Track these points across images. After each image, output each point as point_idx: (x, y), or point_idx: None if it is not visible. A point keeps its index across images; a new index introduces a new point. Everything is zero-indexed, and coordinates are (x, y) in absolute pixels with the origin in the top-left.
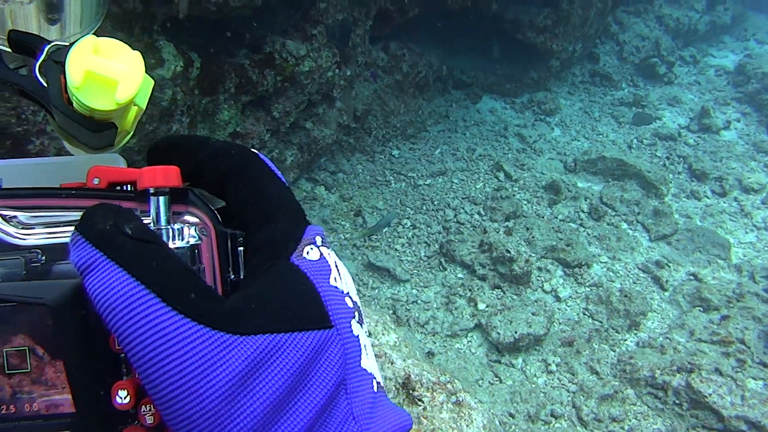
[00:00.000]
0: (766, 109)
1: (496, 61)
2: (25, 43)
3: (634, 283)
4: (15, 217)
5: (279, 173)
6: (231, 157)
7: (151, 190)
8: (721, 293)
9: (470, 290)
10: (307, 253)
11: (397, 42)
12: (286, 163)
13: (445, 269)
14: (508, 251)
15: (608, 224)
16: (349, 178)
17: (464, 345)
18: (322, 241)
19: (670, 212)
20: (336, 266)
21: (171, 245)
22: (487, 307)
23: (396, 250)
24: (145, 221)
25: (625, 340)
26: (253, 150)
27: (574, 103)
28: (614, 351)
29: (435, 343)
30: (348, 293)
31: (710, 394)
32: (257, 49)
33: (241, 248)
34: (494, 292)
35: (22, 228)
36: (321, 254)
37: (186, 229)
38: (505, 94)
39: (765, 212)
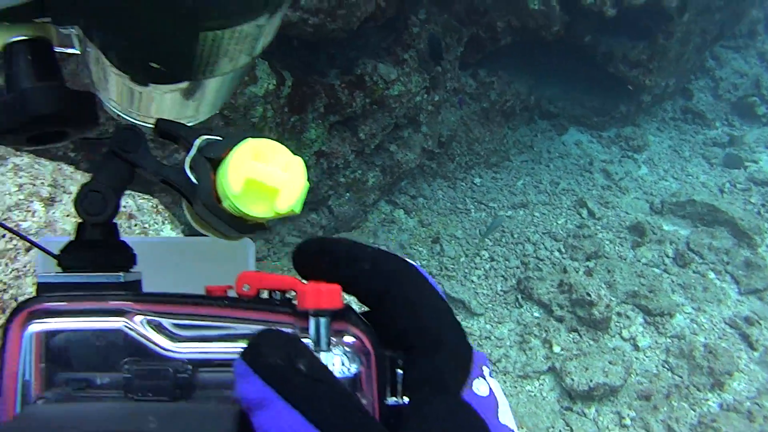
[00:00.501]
0: None
1: (585, 92)
2: (171, 133)
3: (720, 338)
4: (160, 323)
5: (438, 287)
6: (392, 272)
7: (312, 311)
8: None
9: (546, 331)
10: (478, 388)
11: (487, 69)
12: (368, 185)
13: (521, 306)
14: (589, 294)
15: (694, 272)
16: (429, 204)
17: (536, 388)
18: (489, 372)
19: (764, 265)
20: (502, 399)
21: (334, 371)
22: (562, 350)
23: (472, 281)
24: (304, 340)
25: (707, 400)
26: (411, 262)
27: (663, 141)
28: (695, 411)
29: (506, 383)
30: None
31: None
32: (348, 70)
33: (400, 371)
34: (571, 336)
35: (172, 339)
36: (490, 388)
37: (349, 355)
38: (593, 127)
39: None
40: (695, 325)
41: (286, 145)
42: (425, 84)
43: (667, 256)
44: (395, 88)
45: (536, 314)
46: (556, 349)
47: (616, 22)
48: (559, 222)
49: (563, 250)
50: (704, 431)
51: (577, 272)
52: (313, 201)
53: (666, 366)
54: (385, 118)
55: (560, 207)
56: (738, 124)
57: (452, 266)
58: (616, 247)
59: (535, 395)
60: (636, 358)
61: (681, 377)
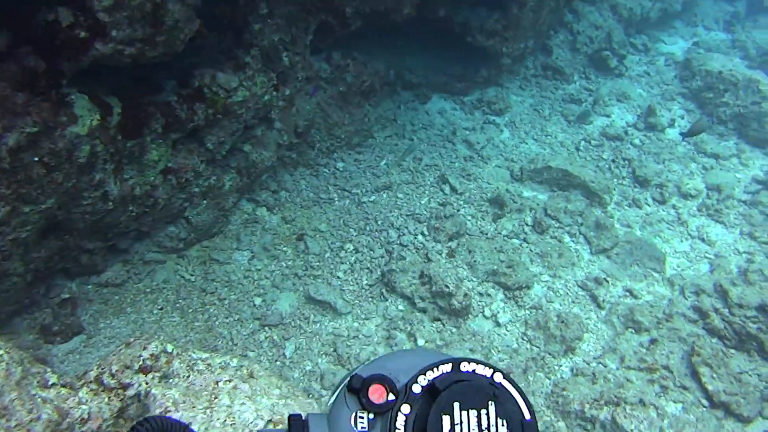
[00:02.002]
0: (708, 108)
1: (446, 61)
2: None
3: (573, 302)
4: None
5: None
6: None
7: None
8: (651, 314)
9: (410, 324)
10: None
11: (341, 52)
12: (225, 189)
13: (386, 300)
14: (447, 286)
15: (551, 237)
16: (292, 197)
17: None
18: None
19: (611, 225)
20: None
21: None
22: (426, 342)
23: (338, 278)
24: None
25: (560, 366)
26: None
27: (524, 100)
28: (549, 379)
29: None
30: None
31: (632, 430)
32: (185, 82)
33: None
34: (434, 325)
35: None
36: None
37: None
38: (456, 93)
39: (699, 220)
40: (551, 293)
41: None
42: (273, 82)
43: (527, 225)
44: (239, 94)
45: (401, 307)
46: (421, 342)
47: None
48: (422, 202)
49: (426, 233)
50: (556, 399)
51: (440, 255)
52: (168, 216)
53: (525, 338)
54: (233, 124)
55: (423, 185)
56: (594, 77)
57: (317, 264)
58: (478, 222)
59: None
60: (498, 335)
61: (538, 347)
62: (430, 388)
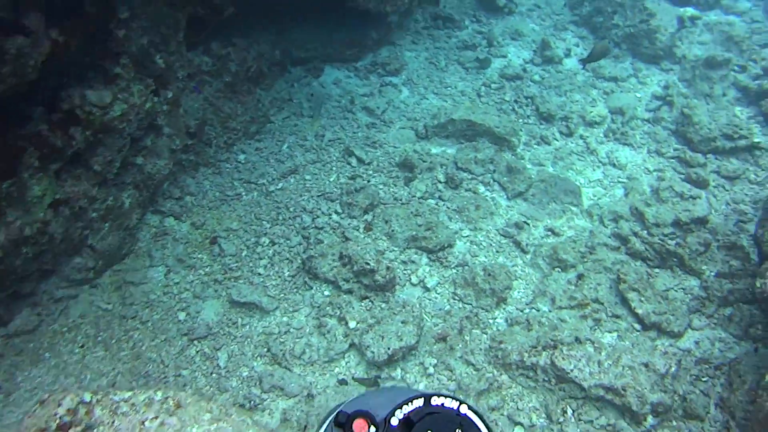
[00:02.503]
0: (601, 32)
1: (333, 30)
2: None
3: (498, 251)
4: None
5: None
6: None
7: None
8: (575, 250)
9: (339, 308)
10: None
11: (219, 41)
12: (125, 207)
13: (311, 288)
14: (368, 263)
15: (466, 191)
16: (198, 200)
17: (343, 368)
18: None
19: (523, 166)
20: None
21: None
22: (357, 323)
23: (259, 275)
24: None
25: (495, 319)
26: None
27: (419, 54)
28: (486, 334)
29: (315, 373)
30: None
31: (571, 370)
32: (54, 107)
33: None
34: (363, 304)
35: None
36: None
37: None
38: (348, 60)
39: (607, 146)
40: (474, 246)
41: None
42: (151, 88)
43: (440, 182)
44: (116, 109)
45: (326, 293)
46: (352, 324)
47: None
48: (331, 180)
49: (340, 211)
50: (495, 353)
51: (357, 231)
52: (70, 248)
53: (456, 297)
54: (117, 141)
55: (329, 162)
56: (485, 19)
57: (236, 264)
58: (391, 189)
59: (344, 376)
60: (428, 300)
61: (470, 305)
62: (406, 421)
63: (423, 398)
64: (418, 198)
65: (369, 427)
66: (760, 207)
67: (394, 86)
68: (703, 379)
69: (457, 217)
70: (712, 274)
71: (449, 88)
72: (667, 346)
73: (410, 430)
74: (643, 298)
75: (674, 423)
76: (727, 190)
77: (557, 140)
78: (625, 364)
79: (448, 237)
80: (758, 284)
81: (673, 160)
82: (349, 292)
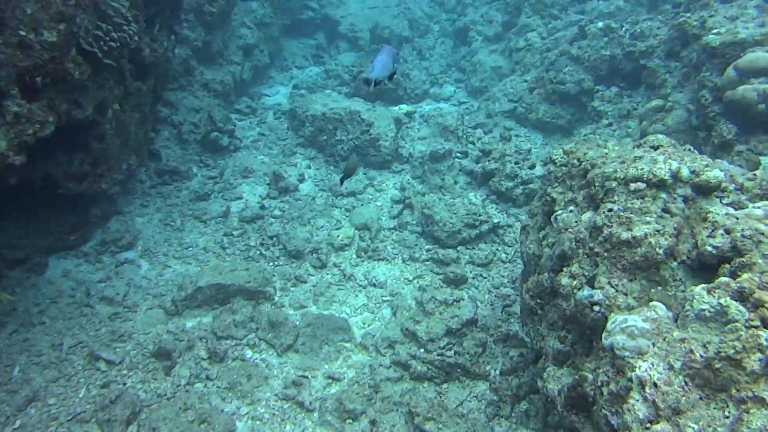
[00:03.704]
0: (328, 149)
1: (49, 216)
2: None
3: (283, 420)
4: None
5: None
6: None
7: None
8: (360, 394)
9: None
10: None
11: None
12: None
13: None
14: None
15: (233, 360)
16: None
17: None
18: None
19: (285, 316)
20: None
21: None
22: None
23: None
24: None
25: None
26: None
27: (152, 218)
28: None
29: None
30: None
31: None
32: None
33: None
34: None
35: None
36: None
37: None
38: (73, 245)
39: (363, 267)
40: (257, 423)
41: None
42: None
43: (203, 359)
44: None
45: None
46: None
47: None
48: (81, 396)
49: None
50: None
51: None
52: None
53: None
54: None
55: (74, 374)
56: (213, 162)
57: None
58: (151, 386)
59: None
60: None
61: None
62: None
63: None
64: (184, 386)
65: None
66: (518, 284)
67: (131, 263)
68: None
69: (230, 395)
70: (497, 372)
71: (191, 248)
72: None
73: None
74: (441, 426)
75: None
76: (485, 278)
77: (312, 275)
78: None
79: (226, 423)
80: (540, 384)
81: (428, 263)
82: None
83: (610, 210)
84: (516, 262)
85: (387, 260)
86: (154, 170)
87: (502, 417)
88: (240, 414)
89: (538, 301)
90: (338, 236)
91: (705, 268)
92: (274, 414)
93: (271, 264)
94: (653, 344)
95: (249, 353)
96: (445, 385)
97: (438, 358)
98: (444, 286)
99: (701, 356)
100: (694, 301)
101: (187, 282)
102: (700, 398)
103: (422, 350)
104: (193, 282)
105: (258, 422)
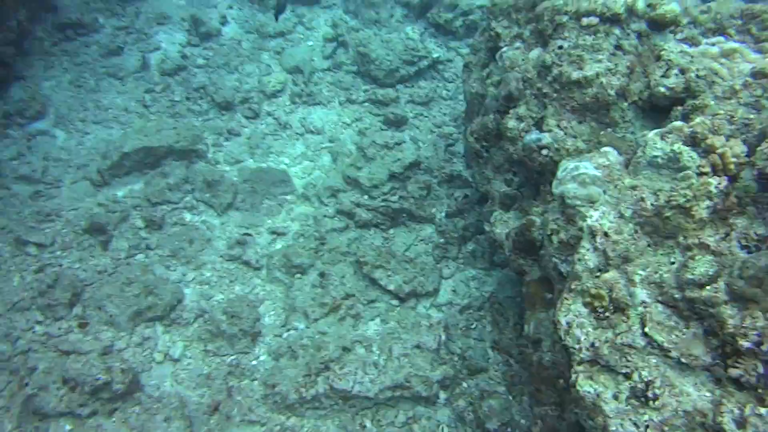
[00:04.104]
0: None
1: None
2: None
3: (231, 282)
4: None
5: None
6: None
7: None
8: (306, 247)
9: None
10: None
11: None
12: None
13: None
14: (98, 378)
15: (173, 226)
16: None
17: None
18: None
19: (221, 174)
20: None
21: None
22: None
23: None
24: None
25: (258, 357)
26: None
27: (60, 80)
28: (256, 380)
29: None
30: None
31: (352, 387)
32: None
33: None
34: (114, 419)
35: None
36: None
37: None
38: None
39: (298, 113)
40: (206, 287)
41: None
42: None
43: (141, 228)
44: None
45: (67, 427)
46: None
47: None
48: (15, 284)
49: (41, 318)
50: (273, 399)
51: (72, 334)
52: None
53: (210, 355)
54: None
55: (3, 263)
56: (120, 8)
57: None
58: (90, 263)
59: None
60: (182, 371)
61: (227, 355)
62: None
63: None
64: (125, 259)
65: None
66: (461, 122)
67: (44, 133)
68: (473, 327)
69: (174, 262)
70: (443, 215)
71: (110, 110)
72: (429, 309)
73: None
74: (390, 272)
75: (464, 384)
76: (426, 117)
77: (246, 127)
78: (399, 354)
79: (173, 292)
80: (487, 228)
81: (366, 104)
82: (93, 413)
83: (561, 47)
84: (458, 99)
85: (323, 104)
86: (52, 24)
87: (450, 258)
88: (186, 280)
89: (484, 144)
90: (269, 82)
91: (656, 110)
92: (221, 276)
93: (201, 119)
94: (604, 191)
95: (188, 216)
96: (391, 231)
97: (382, 204)
98: (384, 128)
99: (652, 204)
100: (647, 147)
101: (111, 149)
102: (648, 245)
103: (366, 197)
104: (118, 148)
105: (206, 286)
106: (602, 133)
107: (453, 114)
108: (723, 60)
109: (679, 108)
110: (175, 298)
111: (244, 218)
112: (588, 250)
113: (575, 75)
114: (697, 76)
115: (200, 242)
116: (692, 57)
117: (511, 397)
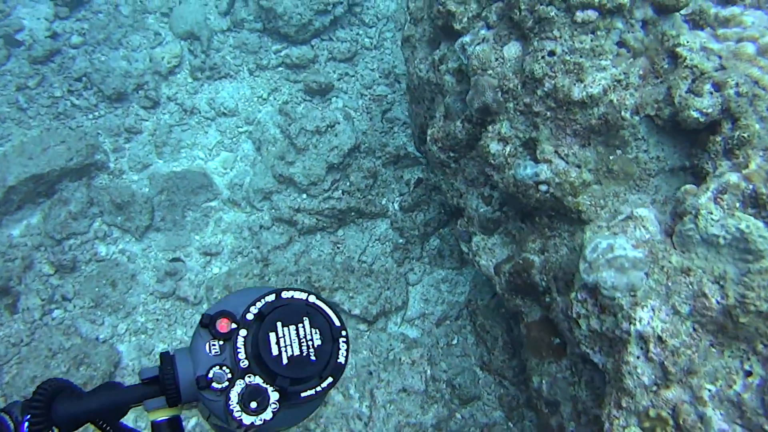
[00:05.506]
0: None
1: None
2: None
3: (169, 326)
4: None
5: None
6: None
7: None
8: (248, 274)
9: None
10: None
11: None
12: None
13: None
14: None
15: (88, 263)
16: None
17: None
18: None
19: (127, 187)
20: None
21: None
22: None
23: None
24: None
25: None
26: None
27: None
28: None
29: None
30: None
31: None
32: None
33: None
34: None
35: None
36: None
37: None
38: None
39: (204, 93)
40: (143, 337)
41: None
42: None
43: (46, 276)
44: None
45: None
46: None
47: None
48: None
49: None
50: None
51: None
52: None
53: None
54: None
55: None
56: None
57: None
58: None
59: None
60: None
61: None
62: (259, 314)
63: (274, 293)
64: (40, 319)
65: (230, 324)
66: (393, 78)
67: None
68: (455, 342)
69: (99, 313)
70: (396, 207)
71: None
72: (401, 326)
73: (262, 321)
74: (351, 294)
75: (458, 416)
76: (353, 76)
77: (146, 120)
78: (385, 402)
79: (108, 356)
80: (464, 249)
81: (281, 69)
82: None
83: (552, 53)
84: (384, 46)
85: (230, 76)
86: None
87: (413, 259)
88: (119, 333)
89: (451, 154)
90: (163, 57)
91: (677, 128)
92: (158, 320)
93: (90, 117)
94: (646, 275)
95: (102, 249)
96: (340, 232)
97: (326, 206)
98: (307, 98)
99: (717, 302)
100: (700, 218)
101: None
102: (711, 345)
103: (305, 196)
104: (1, 181)
105: (143, 336)
106: (611, 158)
107: (382, 68)
108: (762, 62)
109: (718, 139)
110: (111, 363)
111: (168, 240)
112: (639, 358)
113: (577, 94)
114: (737, 93)
115: (124, 281)
116: (722, 58)
117: (511, 424)
